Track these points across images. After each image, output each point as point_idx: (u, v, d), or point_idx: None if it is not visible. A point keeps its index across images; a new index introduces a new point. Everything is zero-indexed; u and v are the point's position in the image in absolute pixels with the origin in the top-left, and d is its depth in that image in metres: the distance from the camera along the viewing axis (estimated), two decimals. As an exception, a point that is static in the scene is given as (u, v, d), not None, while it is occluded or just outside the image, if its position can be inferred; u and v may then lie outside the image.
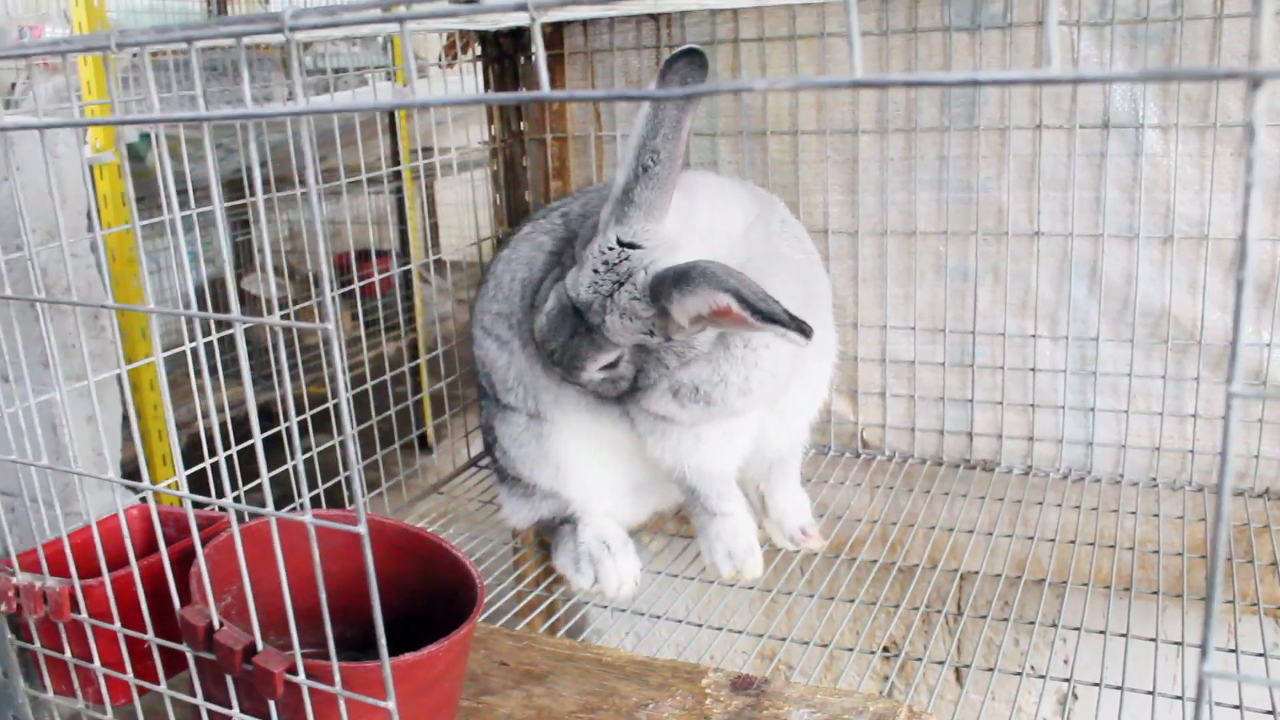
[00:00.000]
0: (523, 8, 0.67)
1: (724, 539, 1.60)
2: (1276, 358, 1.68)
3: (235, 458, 1.52)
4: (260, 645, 0.99)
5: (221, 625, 1.01)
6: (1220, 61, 1.57)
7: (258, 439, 0.96)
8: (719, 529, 1.60)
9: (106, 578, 1.08)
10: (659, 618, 1.59)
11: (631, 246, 1.32)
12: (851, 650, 1.55)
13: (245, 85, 0.81)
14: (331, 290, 0.83)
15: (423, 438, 2.96)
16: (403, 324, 2.93)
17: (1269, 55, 0.49)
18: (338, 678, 0.95)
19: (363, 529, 0.87)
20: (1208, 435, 1.76)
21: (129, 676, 1.11)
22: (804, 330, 1.19)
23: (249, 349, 1.25)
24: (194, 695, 1.08)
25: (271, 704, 1.00)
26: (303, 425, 1.82)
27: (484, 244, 2.13)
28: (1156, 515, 1.71)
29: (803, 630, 1.69)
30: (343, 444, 1.63)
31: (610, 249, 1.32)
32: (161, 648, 1.11)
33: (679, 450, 1.54)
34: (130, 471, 1.70)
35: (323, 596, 0.93)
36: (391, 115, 4.01)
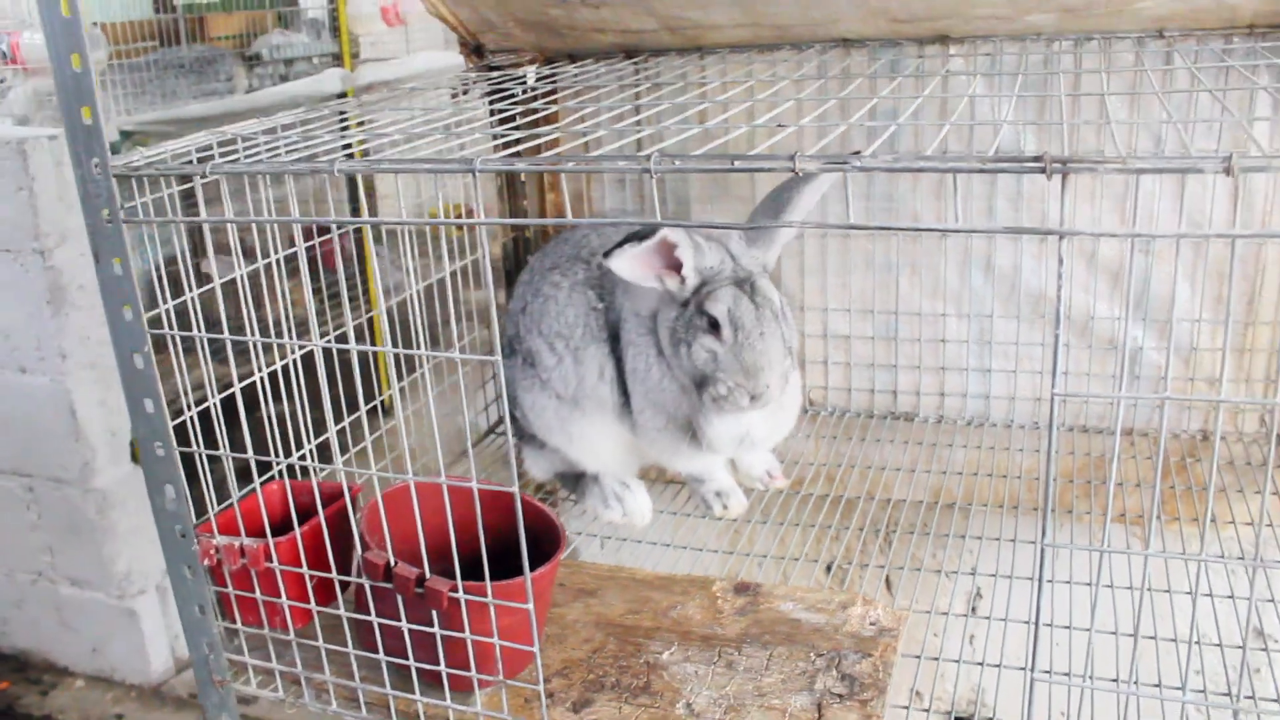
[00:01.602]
0: (646, 170, 1.10)
1: (710, 486, 2.06)
2: (1131, 329, 2.20)
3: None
4: (429, 574, 1.42)
5: (396, 563, 1.43)
6: (1080, 106, 2.05)
7: (401, 414, 1.37)
8: (706, 487, 2.06)
9: (298, 533, 1.49)
10: (668, 545, 2.04)
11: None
12: (815, 562, 2.03)
13: (400, 210, 1.21)
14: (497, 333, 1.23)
15: (382, 403, 3.33)
16: (361, 294, 3.20)
17: (1071, 220, 0.93)
18: (489, 591, 1.38)
19: (515, 488, 1.30)
20: (1076, 387, 2.27)
21: (313, 605, 1.53)
22: None
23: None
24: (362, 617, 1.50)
25: (434, 614, 1.43)
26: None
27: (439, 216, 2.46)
28: (1038, 451, 2.23)
29: (764, 550, 2.16)
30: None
31: (674, 319, 1.72)
32: (324, 580, 1.52)
33: (665, 457, 1.96)
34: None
35: (481, 537, 1.36)
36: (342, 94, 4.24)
